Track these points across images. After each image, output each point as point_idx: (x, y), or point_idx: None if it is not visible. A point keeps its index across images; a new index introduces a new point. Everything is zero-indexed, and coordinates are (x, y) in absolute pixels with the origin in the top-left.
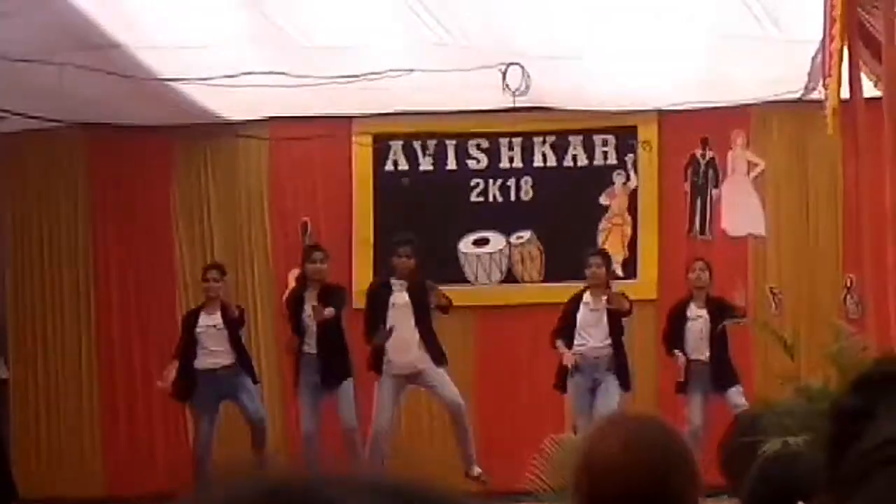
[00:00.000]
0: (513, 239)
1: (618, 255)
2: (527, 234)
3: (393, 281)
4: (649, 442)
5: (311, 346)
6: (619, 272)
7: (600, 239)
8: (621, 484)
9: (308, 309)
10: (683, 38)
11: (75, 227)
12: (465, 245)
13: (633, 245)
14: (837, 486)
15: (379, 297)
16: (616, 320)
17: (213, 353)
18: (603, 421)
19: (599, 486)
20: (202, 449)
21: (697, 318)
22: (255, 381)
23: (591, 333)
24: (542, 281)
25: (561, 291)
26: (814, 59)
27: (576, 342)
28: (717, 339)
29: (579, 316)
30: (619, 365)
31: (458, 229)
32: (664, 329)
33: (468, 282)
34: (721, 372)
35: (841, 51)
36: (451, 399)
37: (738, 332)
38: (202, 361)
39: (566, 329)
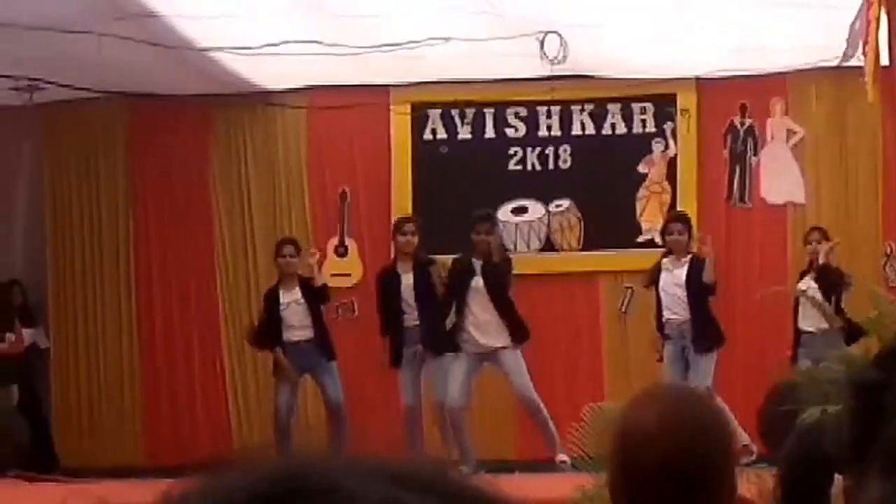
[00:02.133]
0: (551, 207)
1: (657, 224)
2: (565, 203)
3: (474, 260)
4: (685, 413)
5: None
6: (658, 240)
7: (639, 207)
8: (656, 454)
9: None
10: (721, 5)
11: (115, 197)
12: (504, 213)
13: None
14: (868, 464)
15: (460, 276)
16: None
17: (297, 328)
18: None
19: (634, 457)
20: (283, 421)
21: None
22: (331, 359)
23: (677, 302)
24: (581, 249)
25: (599, 260)
26: (852, 25)
27: (665, 314)
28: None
29: (662, 285)
30: (705, 329)
31: (497, 198)
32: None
33: (507, 250)
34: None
35: (879, 17)
36: (519, 392)
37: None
38: (288, 335)
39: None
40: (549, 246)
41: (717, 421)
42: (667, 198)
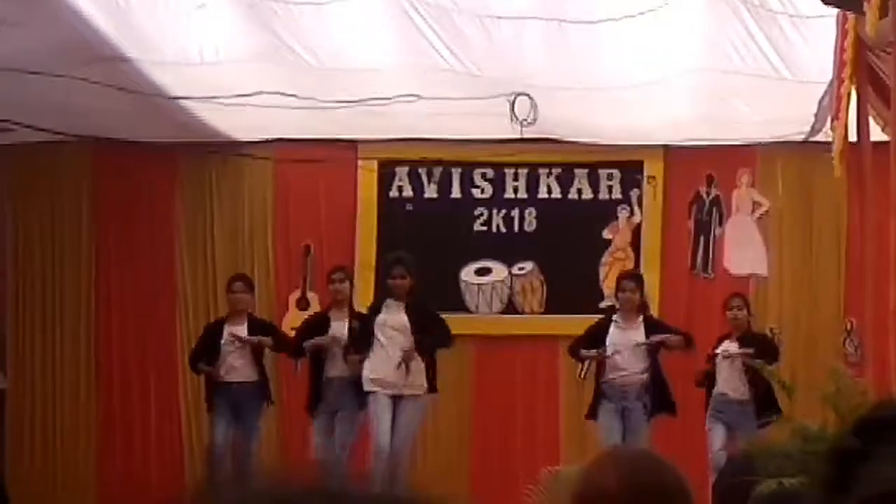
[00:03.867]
0: (515, 269)
1: None
2: (529, 266)
3: (389, 302)
4: (645, 475)
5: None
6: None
7: (602, 273)
8: None
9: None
10: (692, 75)
11: (78, 240)
12: (467, 274)
13: (642, 290)
14: None
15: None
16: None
17: (235, 368)
18: (599, 454)
19: None
20: (216, 455)
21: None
22: (270, 402)
23: (625, 360)
24: (543, 312)
25: (561, 324)
26: (821, 100)
27: (610, 373)
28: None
29: (611, 341)
30: (659, 392)
31: (461, 258)
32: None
33: (469, 311)
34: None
35: (850, 94)
36: (399, 438)
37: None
38: (224, 374)
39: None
40: (511, 308)
41: (677, 483)
42: (630, 264)
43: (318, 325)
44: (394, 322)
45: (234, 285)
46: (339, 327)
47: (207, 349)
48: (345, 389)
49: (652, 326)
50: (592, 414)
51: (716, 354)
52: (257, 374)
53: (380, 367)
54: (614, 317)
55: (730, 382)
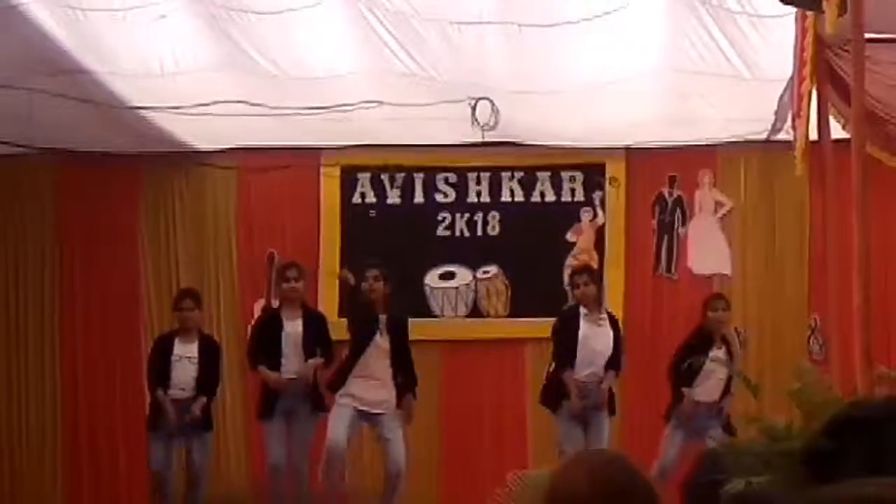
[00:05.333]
0: (479, 273)
1: None
2: (493, 269)
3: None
4: (614, 479)
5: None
6: (584, 310)
7: (566, 275)
8: None
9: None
10: (652, 76)
11: (41, 252)
12: (432, 279)
13: (598, 282)
14: None
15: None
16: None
17: (183, 387)
18: (567, 457)
19: None
20: (160, 476)
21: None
22: (207, 429)
23: (597, 358)
24: (508, 316)
25: (526, 327)
26: (780, 98)
27: (585, 369)
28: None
29: (584, 339)
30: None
31: (425, 263)
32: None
33: (434, 315)
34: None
35: (810, 92)
36: (394, 460)
37: None
38: (172, 392)
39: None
40: (476, 312)
41: (646, 487)
42: (595, 266)
43: (272, 326)
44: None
45: (184, 302)
46: (293, 326)
47: (157, 369)
48: (299, 391)
49: (615, 322)
50: (553, 406)
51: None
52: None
53: (359, 386)
54: (581, 308)
55: (708, 390)
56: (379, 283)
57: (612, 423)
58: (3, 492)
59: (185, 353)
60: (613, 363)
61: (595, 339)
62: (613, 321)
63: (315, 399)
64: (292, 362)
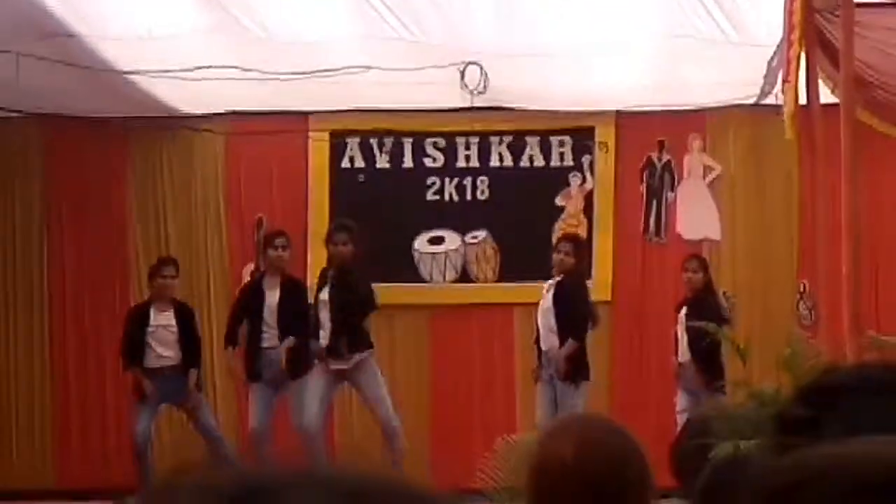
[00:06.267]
0: (468, 238)
1: None
2: (482, 234)
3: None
4: (601, 442)
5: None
6: None
7: (555, 240)
8: (575, 484)
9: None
10: (642, 40)
11: (29, 217)
12: (421, 243)
13: (588, 247)
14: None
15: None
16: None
17: (163, 355)
18: (554, 422)
19: (552, 487)
20: (140, 445)
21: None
22: (199, 388)
23: (545, 326)
24: (497, 281)
25: (515, 292)
26: (770, 63)
27: (543, 340)
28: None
29: (540, 311)
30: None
31: (414, 228)
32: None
33: (423, 280)
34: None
35: (799, 56)
36: (384, 419)
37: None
38: (151, 361)
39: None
40: (465, 277)
41: (633, 451)
42: (583, 231)
43: (255, 294)
44: (324, 296)
45: (166, 270)
46: (272, 296)
47: (135, 341)
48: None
49: (562, 294)
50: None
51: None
52: (185, 358)
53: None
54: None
55: (684, 350)
56: (347, 247)
57: (597, 387)
58: None
59: (162, 322)
60: (564, 331)
61: (541, 309)
62: (568, 287)
63: (297, 365)
64: (270, 331)
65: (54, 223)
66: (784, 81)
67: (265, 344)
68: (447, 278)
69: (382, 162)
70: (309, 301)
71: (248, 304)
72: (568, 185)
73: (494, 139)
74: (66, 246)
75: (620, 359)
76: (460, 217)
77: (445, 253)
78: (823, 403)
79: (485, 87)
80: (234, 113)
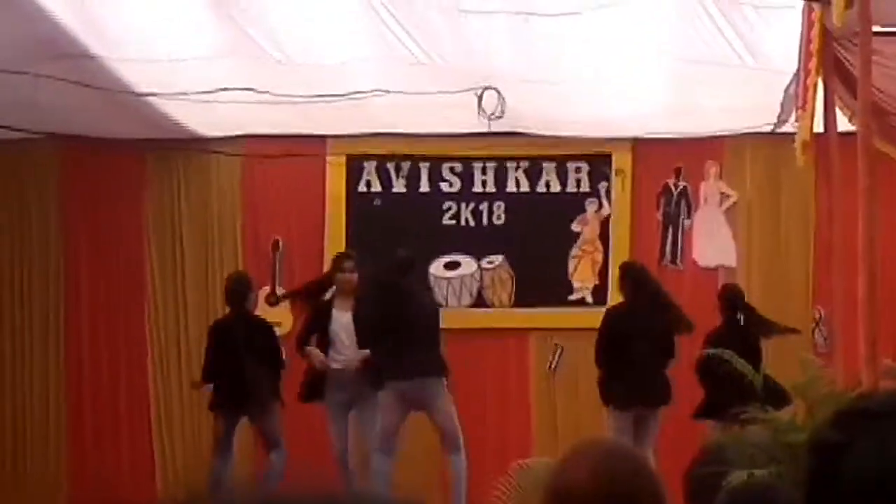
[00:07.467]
0: (484, 263)
1: (588, 283)
2: (498, 259)
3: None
4: (618, 469)
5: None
6: (589, 299)
7: (571, 266)
8: None
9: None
10: (659, 67)
11: (46, 239)
12: (436, 268)
13: (603, 273)
14: None
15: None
16: None
17: (345, 352)
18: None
19: None
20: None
21: None
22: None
23: None
24: (512, 306)
25: (530, 317)
26: (786, 90)
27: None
28: None
29: None
30: None
31: (430, 252)
32: None
33: (439, 305)
34: None
35: (816, 84)
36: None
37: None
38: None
39: None
40: (480, 301)
41: (649, 476)
42: (599, 257)
43: (324, 315)
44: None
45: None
46: (345, 316)
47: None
48: (355, 379)
49: None
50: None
51: None
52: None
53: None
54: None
55: None
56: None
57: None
58: (7, 476)
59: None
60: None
61: None
62: None
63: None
64: (341, 353)
65: (71, 244)
66: (799, 109)
67: (336, 365)
68: (462, 303)
69: (399, 186)
70: None
71: (316, 325)
72: (584, 210)
73: (511, 164)
74: (83, 267)
75: None
76: (476, 242)
77: (461, 277)
78: (857, 427)
79: (502, 111)
80: (252, 136)
